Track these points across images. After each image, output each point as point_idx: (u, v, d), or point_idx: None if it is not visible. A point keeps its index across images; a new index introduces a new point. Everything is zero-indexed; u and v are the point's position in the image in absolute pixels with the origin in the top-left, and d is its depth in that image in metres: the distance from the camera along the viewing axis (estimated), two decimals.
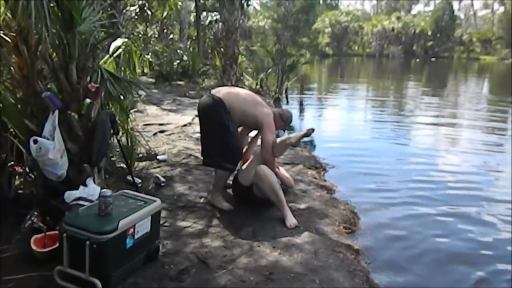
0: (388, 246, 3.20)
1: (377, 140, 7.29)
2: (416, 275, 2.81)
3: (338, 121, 9.48)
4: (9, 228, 2.75)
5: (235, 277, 2.35)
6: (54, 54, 3.02)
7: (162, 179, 3.85)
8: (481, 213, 3.97)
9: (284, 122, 3.47)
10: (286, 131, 3.60)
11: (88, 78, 3.13)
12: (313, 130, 3.27)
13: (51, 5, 2.74)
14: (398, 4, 60.79)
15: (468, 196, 4.45)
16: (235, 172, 3.46)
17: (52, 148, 2.72)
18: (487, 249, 3.26)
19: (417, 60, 40.64)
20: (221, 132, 3.22)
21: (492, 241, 3.41)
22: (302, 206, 3.46)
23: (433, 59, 41.82)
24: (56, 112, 2.83)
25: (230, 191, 3.58)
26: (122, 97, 3.76)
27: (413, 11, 61.15)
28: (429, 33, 47.88)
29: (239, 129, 3.51)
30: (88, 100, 3.01)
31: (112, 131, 3.12)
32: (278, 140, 3.30)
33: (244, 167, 3.44)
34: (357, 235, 3.27)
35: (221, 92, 3.34)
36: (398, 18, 49.33)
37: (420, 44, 48.83)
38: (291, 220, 3.05)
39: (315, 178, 4.37)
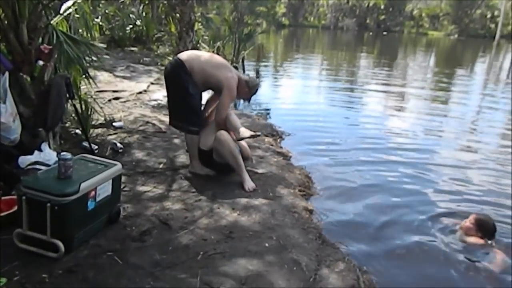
0: (339, 207, 3.42)
1: (331, 108, 7.66)
2: (364, 233, 3.04)
3: (294, 90, 9.70)
4: None
5: (196, 236, 2.45)
6: (3, 12, 2.85)
7: (120, 145, 3.83)
8: (423, 172, 4.37)
9: (249, 89, 3.40)
10: (249, 101, 3.56)
11: (40, 39, 3.00)
12: (259, 135, 3.47)
13: None
14: None
15: (413, 157, 4.87)
16: None
17: (4, 112, 2.62)
18: (426, 203, 3.62)
19: (370, 33, 41.59)
20: (181, 94, 3.25)
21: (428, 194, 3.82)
22: (260, 171, 3.59)
23: (384, 33, 42.87)
24: (7, 74, 2.71)
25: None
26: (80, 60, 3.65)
27: None
28: (382, 7, 48.85)
29: (209, 95, 3.54)
30: (41, 62, 2.91)
31: (67, 95, 3.04)
32: (231, 124, 3.31)
33: (203, 132, 3.47)
34: (311, 198, 3.46)
35: (184, 54, 3.34)
36: None
37: (373, 17, 49.73)
38: (249, 184, 3.17)
39: (272, 145, 4.51)
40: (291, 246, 2.41)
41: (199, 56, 3.34)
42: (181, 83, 3.21)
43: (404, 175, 4.27)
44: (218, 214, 2.75)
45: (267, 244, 2.41)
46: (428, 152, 5.09)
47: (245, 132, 3.30)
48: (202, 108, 3.48)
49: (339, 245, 2.66)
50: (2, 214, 2.37)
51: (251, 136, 3.30)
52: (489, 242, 2.98)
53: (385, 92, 9.67)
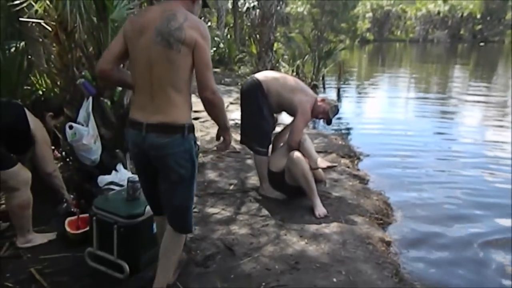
0: (422, 240, 3.05)
1: (417, 127, 7.02)
2: (448, 273, 2.66)
3: (376, 109, 9.19)
4: (48, 210, 2.87)
5: (260, 265, 2.34)
6: (89, 41, 3.09)
7: None
8: None
9: (328, 112, 3.26)
10: (329, 123, 3.41)
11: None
12: (335, 166, 3.43)
13: None
14: None
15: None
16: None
17: (86, 134, 2.81)
18: None
19: (465, 45, 38.63)
20: (255, 114, 3.25)
21: None
22: (333, 195, 3.39)
23: (482, 44, 39.58)
24: (90, 99, 2.91)
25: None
26: None
27: None
28: (478, 16, 45.25)
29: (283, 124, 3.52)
30: (120, 88, 3.07)
31: None
32: (305, 151, 3.19)
33: (274, 153, 3.39)
34: (389, 227, 3.15)
35: (262, 74, 3.36)
36: (445, 1, 46.88)
37: (468, 28, 46.27)
38: (320, 210, 3.00)
39: (348, 167, 4.27)
40: (362, 284, 2.18)
41: (276, 78, 3.32)
42: (256, 103, 3.22)
43: (500, 203, 3.72)
44: (284, 241, 2.62)
45: (335, 279, 2.21)
46: None
47: (320, 162, 3.19)
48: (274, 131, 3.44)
49: (419, 285, 2.35)
50: (79, 231, 2.50)
51: (327, 167, 3.23)
52: None
53: (483, 107, 8.69)
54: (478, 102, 9.86)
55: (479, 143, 5.98)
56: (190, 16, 1.72)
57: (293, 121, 3.29)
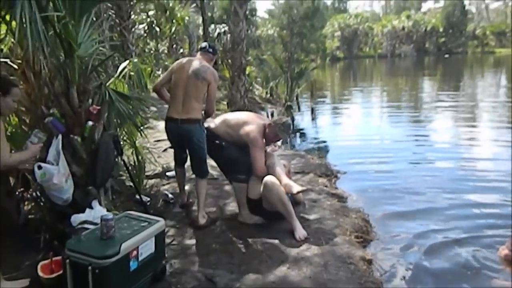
0: (403, 257, 3.06)
1: (393, 141, 7.18)
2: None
3: (351, 125, 9.40)
4: (18, 254, 2.77)
5: None
6: (55, 79, 3.05)
7: (171, 196, 3.85)
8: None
9: (279, 131, 3.30)
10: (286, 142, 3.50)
11: (90, 100, 3.14)
12: (305, 190, 3.45)
13: (49, 32, 2.77)
14: (408, 3, 60.21)
15: (495, 198, 4.25)
16: None
17: (56, 173, 2.73)
18: None
19: (431, 57, 40.09)
20: (218, 153, 3.43)
21: None
22: (312, 216, 3.39)
23: (446, 56, 41.14)
24: (60, 137, 2.85)
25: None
26: (132, 116, 3.79)
27: (423, 9, 60.46)
28: (441, 29, 47.17)
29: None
30: (90, 123, 3.02)
31: (115, 152, 3.12)
32: (283, 180, 3.22)
33: (251, 180, 3.39)
34: (370, 245, 3.16)
35: (210, 123, 3.48)
36: (408, 17, 48.73)
37: (432, 41, 48.12)
38: (300, 232, 2.99)
39: (326, 186, 4.29)
40: None
41: (221, 122, 3.46)
42: (214, 142, 3.36)
43: (484, 222, 3.69)
44: (266, 268, 2.58)
45: None
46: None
47: (292, 187, 3.21)
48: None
49: None
50: (52, 275, 2.40)
51: (298, 192, 3.26)
52: None
53: (454, 118, 9.00)
54: (448, 108, 10.28)
55: (456, 157, 6.07)
56: (210, 68, 3.38)
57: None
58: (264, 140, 3.34)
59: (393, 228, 3.53)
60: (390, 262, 2.93)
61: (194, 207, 3.61)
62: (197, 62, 3.36)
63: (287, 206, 3.07)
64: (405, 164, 5.65)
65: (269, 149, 3.48)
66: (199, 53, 3.55)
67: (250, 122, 3.35)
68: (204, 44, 3.63)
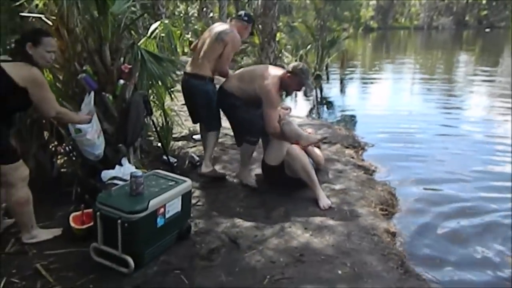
0: (427, 229, 3.03)
1: (424, 115, 6.93)
2: (455, 264, 2.63)
3: (382, 97, 9.14)
4: (51, 205, 2.89)
5: (265, 258, 2.34)
6: (89, 36, 3.07)
7: (197, 158, 3.89)
8: None
9: (299, 78, 3.13)
10: (306, 93, 3.37)
11: (122, 59, 3.16)
12: (325, 138, 3.22)
13: None
14: None
15: None
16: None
17: (90, 129, 2.79)
18: None
19: (470, 31, 38.15)
20: (231, 113, 3.39)
21: None
22: (338, 187, 3.37)
23: (487, 30, 39.01)
24: (92, 94, 2.89)
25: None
26: (163, 77, 3.81)
27: None
28: (484, 1, 44.58)
29: None
30: (121, 81, 3.06)
31: (145, 112, 3.15)
32: (292, 133, 3.17)
33: (269, 147, 3.37)
34: (394, 218, 3.13)
35: (224, 81, 3.43)
36: None
37: (473, 13, 45.61)
38: (324, 201, 2.98)
39: (353, 157, 4.24)
40: (367, 276, 2.17)
41: (233, 76, 3.39)
42: (227, 102, 3.32)
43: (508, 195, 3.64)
44: (289, 233, 2.61)
45: (340, 272, 2.20)
46: None
47: (309, 137, 3.14)
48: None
49: (425, 275, 2.34)
50: (83, 226, 2.51)
51: (318, 141, 3.14)
52: None
53: (489, 93, 8.66)
54: (483, 83, 9.88)
55: (488, 131, 5.90)
56: (233, 32, 3.41)
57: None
58: (283, 92, 3.27)
59: (419, 202, 3.47)
60: (414, 236, 2.90)
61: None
62: (223, 26, 3.50)
63: (311, 175, 3.05)
64: (435, 137, 5.52)
65: (281, 112, 3.37)
66: (233, 20, 3.56)
67: (265, 76, 3.16)
68: (240, 12, 3.65)
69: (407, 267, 2.36)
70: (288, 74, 3.17)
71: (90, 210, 2.54)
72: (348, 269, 2.23)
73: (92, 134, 2.85)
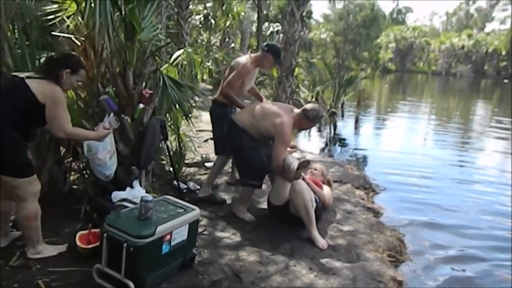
0: (436, 281, 2.95)
1: (438, 162, 6.84)
2: None
3: (396, 139, 9.10)
4: (60, 220, 2.91)
5: None
6: (115, 60, 3.17)
7: (198, 186, 3.90)
8: None
9: (310, 120, 3.23)
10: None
11: (144, 83, 3.25)
12: (308, 161, 3.09)
13: (116, 14, 2.89)
14: (471, 21, 57.77)
15: None
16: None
17: (101, 149, 2.84)
18: None
19: (488, 80, 38.21)
20: (238, 153, 3.40)
21: None
22: (346, 228, 3.33)
23: (506, 81, 39.00)
24: (112, 115, 2.96)
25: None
26: (182, 103, 3.89)
27: (487, 29, 57.67)
28: (503, 52, 44.83)
29: None
30: (141, 105, 3.13)
31: (161, 137, 3.20)
32: (286, 165, 3.13)
33: (273, 187, 3.37)
34: (401, 265, 3.06)
35: (236, 113, 3.51)
36: (470, 36, 46.66)
37: (492, 64, 45.84)
38: (321, 242, 2.94)
39: (363, 199, 4.20)
40: None
41: (248, 111, 3.39)
42: (235, 139, 3.32)
43: None
44: (293, 272, 2.56)
45: None
46: None
47: (294, 166, 3.03)
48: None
49: None
50: (89, 246, 2.51)
51: (299, 166, 2.98)
52: None
53: (505, 147, 8.52)
54: (500, 134, 9.78)
55: (502, 182, 5.81)
56: (244, 61, 3.72)
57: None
58: (296, 129, 3.36)
59: (429, 251, 3.39)
60: (420, 286, 2.82)
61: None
62: (242, 57, 3.89)
63: (310, 213, 2.98)
64: (447, 183, 5.49)
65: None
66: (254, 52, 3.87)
67: (280, 115, 3.18)
68: (265, 43, 3.98)
69: None
70: (302, 116, 3.20)
71: (97, 230, 2.55)
72: None
73: (104, 154, 2.90)
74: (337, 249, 2.91)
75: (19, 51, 3.00)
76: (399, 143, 8.59)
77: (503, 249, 3.57)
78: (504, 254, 3.47)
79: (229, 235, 3.04)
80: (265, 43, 3.85)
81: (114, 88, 3.12)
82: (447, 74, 44.56)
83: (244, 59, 3.78)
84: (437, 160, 6.94)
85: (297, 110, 3.29)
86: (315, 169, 3.70)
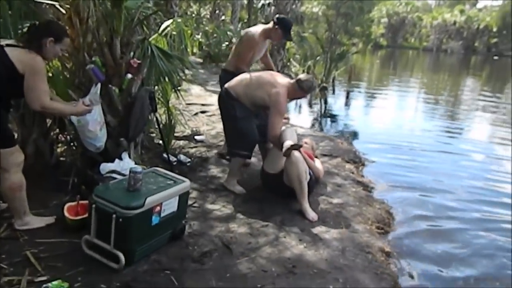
0: (422, 252, 3.01)
1: (427, 135, 6.98)
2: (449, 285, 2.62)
3: (386, 114, 9.11)
4: (47, 193, 2.87)
5: (257, 266, 2.31)
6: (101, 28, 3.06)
7: (188, 159, 3.87)
8: None
9: (304, 91, 3.20)
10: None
11: (132, 53, 3.15)
12: (300, 146, 3.10)
13: None
14: None
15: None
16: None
17: (91, 121, 2.77)
18: None
19: (478, 57, 38.33)
20: (229, 121, 3.34)
21: None
22: (335, 200, 3.35)
23: (495, 57, 39.14)
24: (99, 85, 2.88)
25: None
26: (171, 74, 3.80)
27: (479, 5, 57.27)
28: (494, 29, 44.76)
29: None
30: (129, 76, 3.05)
31: (150, 108, 3.14)
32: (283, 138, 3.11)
33: (268, 155, 3.36)
34: (389, 236, 3.11)
35: (231, 82, 3.38)
36: (462, 12, 46.39)
37: (483, 40, 45.81)
38: (311, 214, 2.96)
39: (353, 172, 4.22)
40: None
41: (240, 80, 3.33)
42: (228, 111, 3.29)
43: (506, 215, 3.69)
44: (283, 243, 2.58)
45: (331, 287, 2.17)
46: None
47: (288, 144, 3.01)
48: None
49: None
50: (77, 218, 2.48)
51: (291, 147, 2.97)
52: None
53: (492, 122, 8.73)
54: (487, 109, 10.10)
55: (488, 152, 6.08)
56: (252, 33, 3.79)
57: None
58: (289, 100, 3.30)
59: (417, 223, 3.45)
60: (408, 258, 2.87)
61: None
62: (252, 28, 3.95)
63: (303, 185, 2.98)
64: (435, 155, 5.65)
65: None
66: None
67: (274, 83, 3.17)
68: (277, 15, 3.99)
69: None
70: (296, 85, 3.18)
71: (85, 202, 2.52)
72: (340, 286, 2.20)
73: (95, 126, 2.83)
74: (327, 221, 2.93)
75: (1, 20, 2.87)
76: (389, 117, 8.67)
77: (490, 220, 3.66)
78: (493, 224, 3.56)
79: (220, 207, 3.04)
80: (277, 16, 3.82)
81: (101, 58, 3.01)
82: (438, 50, 44.50)
83: (253, 30, 3.80)
84: (425, 133, 7.12)
85: (291, 80, 3.26)
86: (306, 143, 3.70)
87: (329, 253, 2.51)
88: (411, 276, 2.66)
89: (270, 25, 3.74)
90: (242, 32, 3.96)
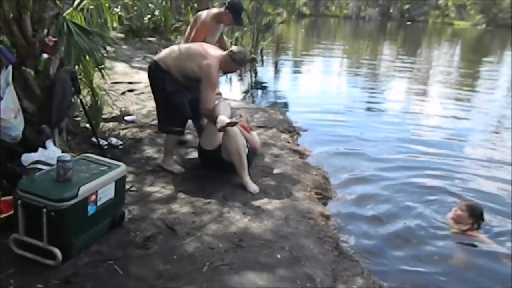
0: (359, 213, 3.19)
1: (352, 100, 7.39)
2: (386, 243, 2.81)
3: (313, 83, 9.41)
4: None
5: (204, 244, 2.29)
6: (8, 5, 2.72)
7: (120, 142, 3.69)
8: (450, 170, 4.23)
9: (237, 63, 3.13)
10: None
11: (46, 31, 2.86)
12: (236, 122, 3.03)
13: None
14: None
15: (440, 153, 4.68)
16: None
17: (2, 107, 2.50)
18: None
19: (393, 23, 40.63)
20: (160, 96, 3.20)
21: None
22: (275, 171, 3.41)
23: (408, 23, 41.66)
24: (10, 68, 2.59)
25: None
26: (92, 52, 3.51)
27: None
28: None
29: None
30: (45, 55, 2.78)
31: (73, 90, 2.90)
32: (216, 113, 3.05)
33: (205, 131, 3.31)
34: (329, 201, 3.25)
35: (160, 53, 3.24)
36: None
37: (397, 7, 48.41)
38: (252, 186, 2.98)
39: (288, 142, 4.31)
40: (304, 259, 2.22)
41: (172, 51, 3.18)
42: (158, 84, 3.15)
43: (430, 174, 4.04)
44: (227, 219, 2.58)
45: (278, 256, 2.23)
46: (452, 148, 4.93)
47: (223, 120, 2.97)
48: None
49: (358, 257, 2.46)
50: (1, 216, 2.26)
51: (227, 124, 2.94)
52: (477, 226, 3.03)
53: (409, 82, 9.68)
54: (403, 69, 11.32)
55: (406, 108, 6.97)
56: (205, 16, 3.81)
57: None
58: (222, 73, 3.27)
59: (351, 188, 3.62)
60: (346, 220, 3.03)
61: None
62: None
63: (243, 158, 2.99)
64: (362, 118, 6.21)
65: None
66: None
67: (205, 55, 3.05)
68: None
69: (341, 249, 2.47)
70: (227, 57, 3.09)
71: (8, 198, 2.30)
72: (286, 253, 2.26)
73: (8, 113, 2.57)
74: (268, 192, 2.98)
75: None
76: (316, 84, 9.07)
77: (418, 175, 4.00)
78: (422, 179, 3.91)
79: (159, 189, 2.95)
80: (228, 0, 3.69)
81: (9, 37, 2.70)
82: (357, 17, 46.20)
83: (205, 13, 3.82)
84: (350, 97, 7.74)
85: (223, 52, 3.16)
86: (241, 116, 3.67)
87: (273, 223, 2.56)
88: (351, 237, 2.82)
89: (222, 9, 3.72)
90: (195, 16, 3.97)
